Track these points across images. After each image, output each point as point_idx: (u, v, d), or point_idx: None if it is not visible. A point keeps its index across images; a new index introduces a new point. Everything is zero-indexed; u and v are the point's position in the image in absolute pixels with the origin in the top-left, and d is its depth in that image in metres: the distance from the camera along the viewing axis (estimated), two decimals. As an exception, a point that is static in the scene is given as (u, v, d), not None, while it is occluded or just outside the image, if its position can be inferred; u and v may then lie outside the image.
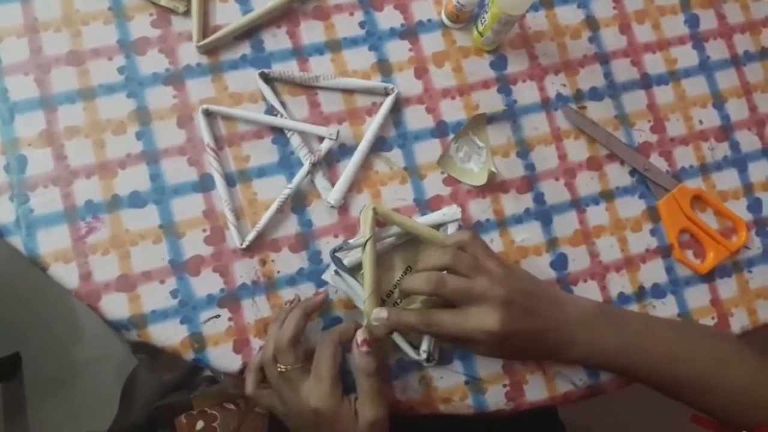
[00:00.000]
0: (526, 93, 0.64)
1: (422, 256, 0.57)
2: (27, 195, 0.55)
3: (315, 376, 0.50)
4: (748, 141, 0.67)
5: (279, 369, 0.51)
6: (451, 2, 0.60)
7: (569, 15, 0.66)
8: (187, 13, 0.60)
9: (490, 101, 0.63)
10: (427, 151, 0.61)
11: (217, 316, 0.56)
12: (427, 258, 0.52)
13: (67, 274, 0.55)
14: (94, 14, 0.59)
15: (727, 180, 0.66)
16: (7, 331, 1.23)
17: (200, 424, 0.86)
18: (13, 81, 0.57)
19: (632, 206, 0.64)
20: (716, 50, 0.68)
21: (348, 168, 0.59)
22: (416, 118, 0.62)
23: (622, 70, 0.66)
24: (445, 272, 0.51)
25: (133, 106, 0.58)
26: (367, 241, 0.54)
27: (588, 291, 0.62)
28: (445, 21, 0.63)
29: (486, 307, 0.49)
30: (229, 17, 0.60)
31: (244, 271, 0.57)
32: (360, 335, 0.51)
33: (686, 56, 0.68)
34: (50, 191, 0.56)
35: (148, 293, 0.56)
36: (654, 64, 0.67)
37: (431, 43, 0.63)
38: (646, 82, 0.66)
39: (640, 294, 0.63)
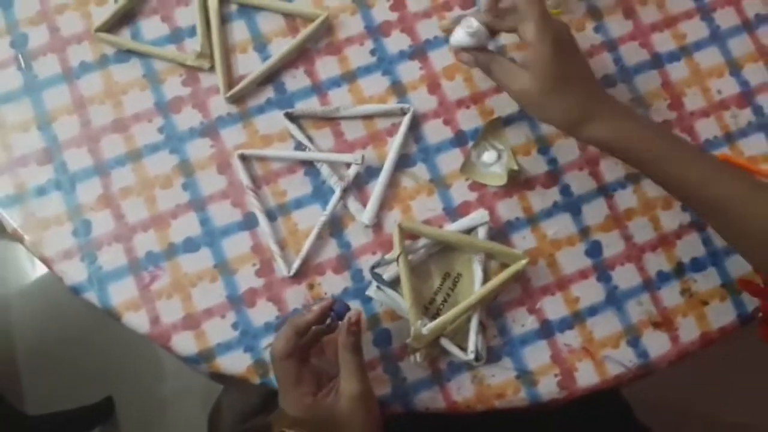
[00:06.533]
0: (538, 91, 0.66)
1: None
2: (95, 254, 0.62)
3: (281, 390, 0.53)
4: (772, 103, 0.67)
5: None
6: None
7: (571, 8, 0.68)
8: (212, 68, 0.65)
9: (505, 104, 0.65)
10: (450, 161, 0.64)
11: (276, 342, 0.61)
12: None
13: (138, 321, 0.61)
14: (131, 83, 0.65)
15: (755, 145, 0.66)
16: (97, 377, 1.33)
17: (280, 444, 0.91)
18: (69, 154, 0.64)
19: (660, 185, 0.65)
20: (726, 18, 0.68)
21: (377, 188, 0.63)
22: (435, 132, 0.65)
23: (632, 54, 0.67)
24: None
25: (176, 160, 0.64)
26: (398, 256, 0.57)
27: (626, 274, 0.63)
28: None
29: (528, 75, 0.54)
30: (250, 66, 0.65)
31: (295, 296, 0.62)
32: (353, 315, 0.53)
33: (695, 29, 0.68)
34: (114, 248, 0.62)
35: (211, 328, 0.61)
36: (663, 42, 0.68)
37: (440, 58, 0.66)
38: (657, 61, 0.67)
39: (679, 270, 0.63)
